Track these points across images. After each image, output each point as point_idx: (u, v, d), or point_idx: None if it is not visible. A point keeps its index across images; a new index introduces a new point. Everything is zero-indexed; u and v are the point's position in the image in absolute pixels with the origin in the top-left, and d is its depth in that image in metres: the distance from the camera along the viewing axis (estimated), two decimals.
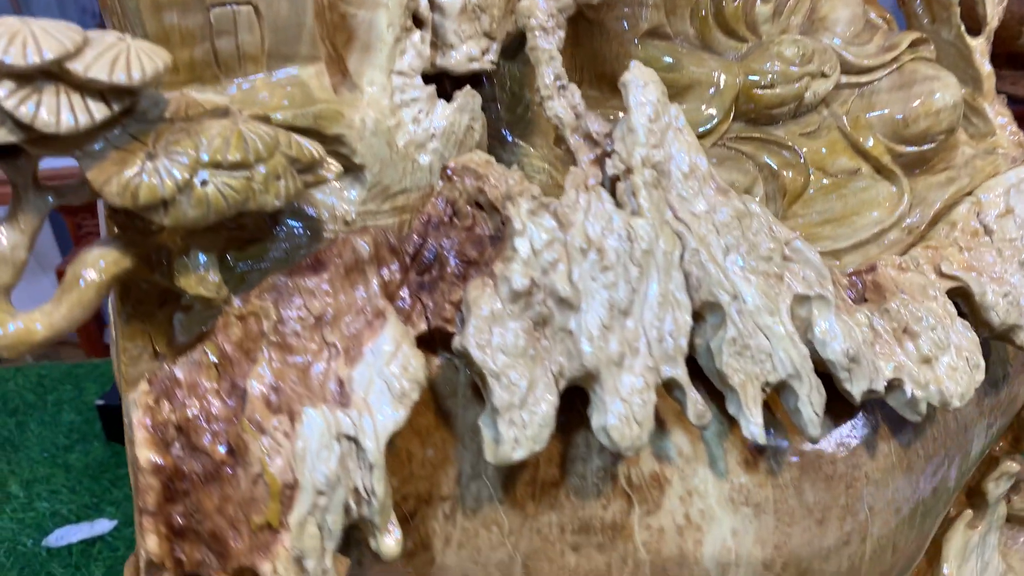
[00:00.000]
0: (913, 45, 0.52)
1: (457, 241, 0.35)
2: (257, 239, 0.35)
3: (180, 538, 0.30)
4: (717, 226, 0.36)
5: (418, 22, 0.37)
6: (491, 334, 0.32)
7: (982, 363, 0.41)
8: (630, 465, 0.36)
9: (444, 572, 0.36)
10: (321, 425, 0.29)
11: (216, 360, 0.31)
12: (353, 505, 0.31)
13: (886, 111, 0.50)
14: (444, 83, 0.38)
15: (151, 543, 0.29)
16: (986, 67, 0.56)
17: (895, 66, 0.51)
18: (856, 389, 0.37)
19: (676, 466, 0.37)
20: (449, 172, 0.36)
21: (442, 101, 0.37)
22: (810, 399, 0.35)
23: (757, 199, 0.47)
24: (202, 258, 0.31)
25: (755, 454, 0.38)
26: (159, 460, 0.29)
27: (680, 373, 0.34)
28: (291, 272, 0.32)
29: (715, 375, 0.35)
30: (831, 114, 0.50)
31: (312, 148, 0.31)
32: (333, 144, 0.35)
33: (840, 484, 0.40)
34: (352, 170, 0.36)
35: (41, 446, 0.99)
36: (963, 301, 0.44)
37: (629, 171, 0.35)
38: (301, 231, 0.35)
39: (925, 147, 0.50)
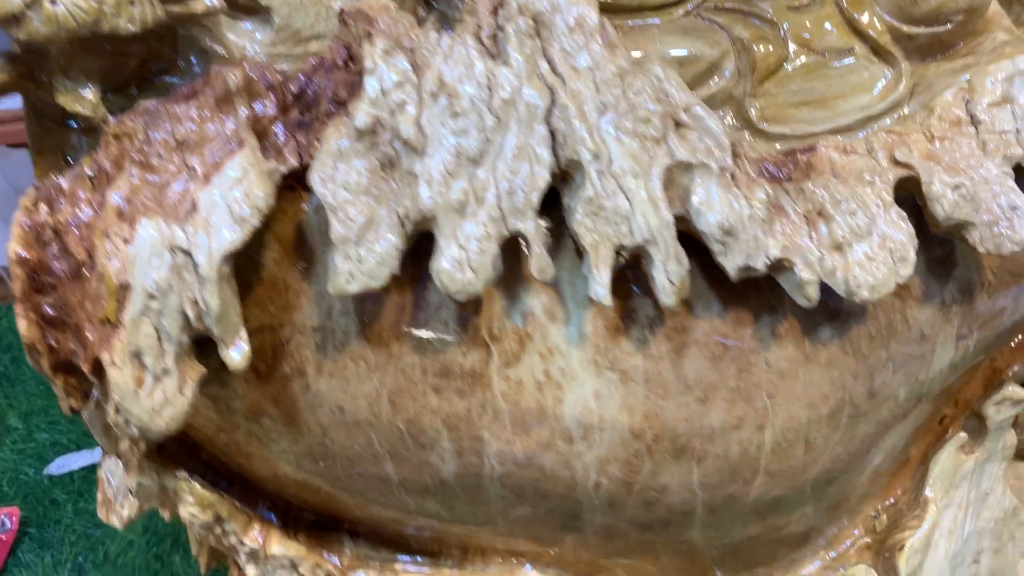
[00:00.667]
0: None
1: (334, 83, 0.36)
2: (164, 72, 0.37)
3: (52, 327, 0.34)
4: (598, 83, 0.35)
5: None
6: (335, 170, 0.33)
7: (910, 257, 0.37)
8: (493, 317, 0.37)
9: (320, 399, 0.39)
10: (154, 236, 0.32)
11: (92, 174, 0.34)
12: (192, 315, 0.33)
13: None
14: None
15: (22, 327, 0.34)
16: None
17: None
18: (730, 264, 0.35)
19: (539, 323, 0.37)
20: (344, 16, 0.37)
21: None
22: (666, 267, 0.34)
23: (727, 72, 0.44)
24: (80, 79, 0.34)
25: (626, 322, 0.37)
26: (24, 254, 0.33)
27: (528, 227, 0.34)
28: (166, 99, 0.35)
29: (573, 235, 0.35)
30: None
31: None
32: None
33: (730, 366, 0.38)
34: (260, 12, 0.38)
35: (37, 379, 1.00)
36: (918, 193, 0.40)
37: (508, 20, 0.34)
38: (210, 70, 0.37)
39: (938, 28, 0.46)
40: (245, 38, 0.38)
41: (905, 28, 0.45)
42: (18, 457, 0.88)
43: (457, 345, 0.37)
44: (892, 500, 0.55)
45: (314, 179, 0.33)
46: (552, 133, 0.34)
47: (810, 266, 0.36)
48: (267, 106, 0.36)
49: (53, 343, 0.34)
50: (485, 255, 0.33)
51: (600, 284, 0.34)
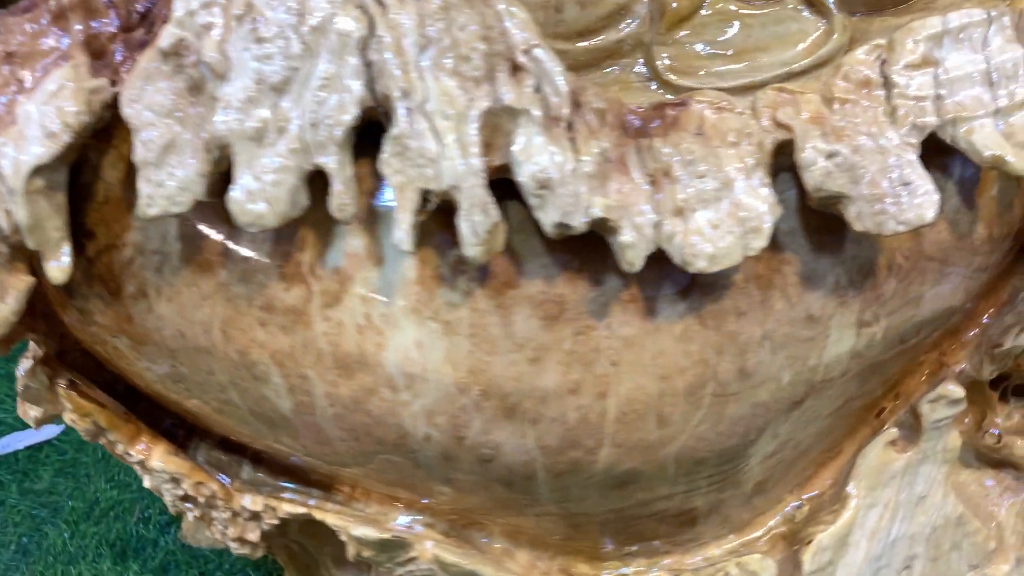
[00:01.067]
0: None
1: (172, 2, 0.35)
2: None
3: None
4: (424, 15, 0.33)
5: None
6: (142, 91, 0.33)
7: (764, 229, 0.34)
8: (316, 255, 0.36)
9: (162, 322, 0.39)
10: None
11: None
12: (5, 226, 0.34)
13: None
14: None
15: None
16: None
17: None
18: (545, 219, 0.33)
19: (361, 265, 0.36)
20: None
21: None
22: (471, 216, 0.32)
23: (638, 15, 0.41)
24: None
25: (452, 272, 0.36)
26: None
27: (329, 161, 0.33)
28: (3, 11, 0.35)
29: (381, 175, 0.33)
30: None
31: None
32: None
33: (565, 327, 0.36)
34: None
35: None
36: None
37: None
38: None
39: None
40: None
41: None
42: None
43: (278, 279, 0.36)
44: (817, 492, 0.51)
45: (122, 100, 0.33)
46: (368, 65, 0.33)
47: (637, 229, 0.33)
48: (105, 24, 0.36)
49: None
50: (280, 187, 0.32)
51: (402, 229, 0.33)
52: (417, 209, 0.33)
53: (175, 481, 0.48)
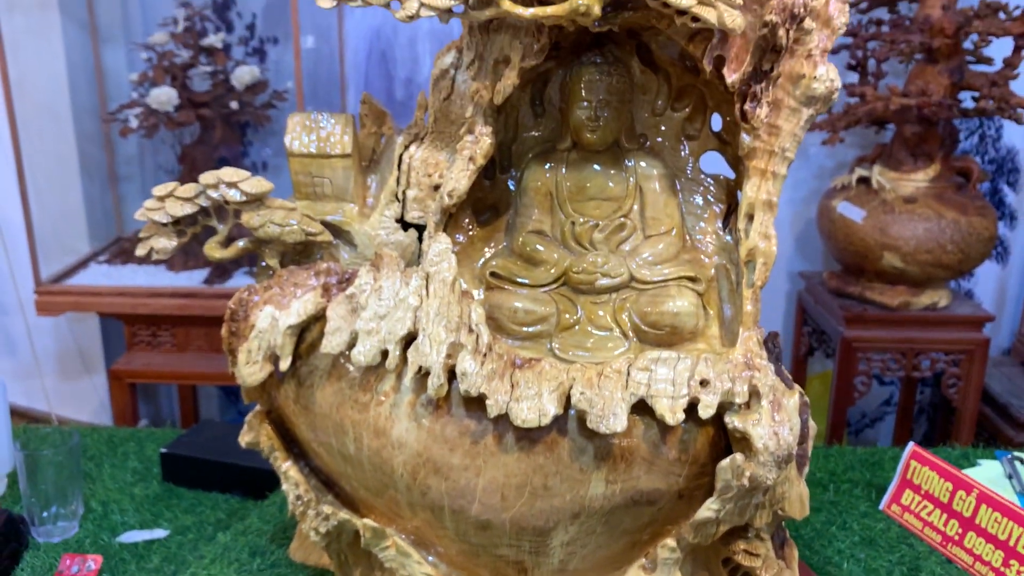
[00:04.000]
0: (685, 278, 0.93)
1: (348, 276, 0.92)
2: (309, 256, 0.97)
3: (234, 337, 0.93)
4: (439, 304, 0.87)
5: (396, 197, 0.96)
6: (336, 307, 0.89)
7: (550, 416, 0.83)
8: (377, 381, 0.89)
9: (314, 400, 0.93)
10: (270, 310, 0.90)
11: (260, 286, 0.93)
12: (273, 342, 0.90)
13: (643, 303, 0.92)
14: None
15: (224, 332, 0.93)
16: (748, 307, 0.92)
17: (662, 284, 0.93)
18: (462, 387, 0.84)
19: (391, 391, 0.88)
20: (375, 258, 0.93)
21: (400, 229, 0.95)
22: (433, 379, 0.84)
23: (551, 321, 0.94)
24: (273, 256, 0.93)
25: (425, 401, 0.87)
26: (231, 307, 0.92)
27: (392, 347, 0.86)
28: (300, 267, 0.94)
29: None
30: (617, 296, 0.94)
31: (314, 228, 0.92)
32: (347, 234, 0.95)
33: (467, 438, 0.86)
34: (351, 245, 0.96)
35: (113, 480, 1.40)
36: None
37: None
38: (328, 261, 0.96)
39: (661, 331, 0.91)
40: (341, 251, 0.96)
41: (642, 326, 0.92)
42: (98, 529, 1.28)
43: (361, 390, 0.89)
44: None
45: (328, 309, 0.89)
46: (415, 318, 0.86)
47: (496, 402, 0.84)
48: (332, 281, 0.93)
49: (232, 343, 0.93)
50: (371, 353, 0.86)
51: (409, 377, 0.85)
52: (417, 375, 0.85)
53: (296, 486, 1.00)
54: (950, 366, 2.26)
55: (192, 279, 2.39)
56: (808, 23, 0.83)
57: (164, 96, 2.30)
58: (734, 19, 0.79)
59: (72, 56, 2.54)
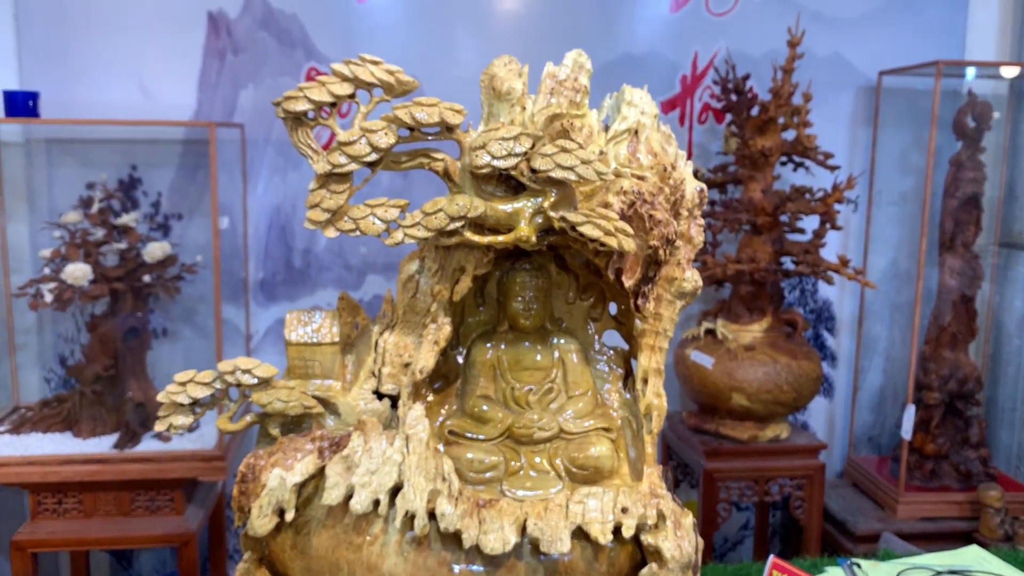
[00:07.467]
0: (602, 428, 1.21)
1: (339, 442, 1.15)
2: (304, 422, 1.19)
3: (243, 496, 1.13)
4: (419, 460, 1.11)
5: (373, 373, 1.21)
6: (333, 467, 1.11)
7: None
8: (367, 525, 1.11)
9: (310, 545, 1.14)
10: (277, 472, 1.11)
11: (265, 453, 1.15)
12: (279, 499, 1.11)
13: (571, 450, 1.19)
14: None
15: (235, 493, 1.13)
16: (649, 449, 1.21)
17: (585, 434, 1.21)
18: (440, 525, 1.07)
19: (380, 533, 1.10)
20: (358, 424, 1.16)
21: (375, 399, 1.19)
22: (417, 522, 1.07)
23: (501, 470, 1.19)
24: (276, 424, 1.15)
25: (410, 539, 1.10)
26: (242, 470, 1.13)
27: (382, 497, 1.09)
28: (299, 434, 1.16)
29: None
30: (551, 445, 1.21)
31: (310, 403, 1.15)
32: (333, 405, 1.19)
33: (431, 557, 1.08)
34: (336, 414, 1.19)
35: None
36: None
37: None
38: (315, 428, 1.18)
39: (587, 471, 1.18)
40: (327, 419, 1.19)
41: (572, 468, 1.18)
42: None
43: (355, 533, 1.11)
44: None
45: (326, 469, 1.11)
46: (400, 471, 1.10)
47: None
48: (324, 445, 1.15)
49: (242, 502, 1.13)
50: (365, 502, 1.08)
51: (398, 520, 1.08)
52: (406, 519, 1.08)
53: None
54: (795, 489, 2.64)
55: (101, 444, 2.47)
56: (678, 243, 1.17)
57: (79, 272, 2.45)
58: (629, 244, 1.11)
59: None
